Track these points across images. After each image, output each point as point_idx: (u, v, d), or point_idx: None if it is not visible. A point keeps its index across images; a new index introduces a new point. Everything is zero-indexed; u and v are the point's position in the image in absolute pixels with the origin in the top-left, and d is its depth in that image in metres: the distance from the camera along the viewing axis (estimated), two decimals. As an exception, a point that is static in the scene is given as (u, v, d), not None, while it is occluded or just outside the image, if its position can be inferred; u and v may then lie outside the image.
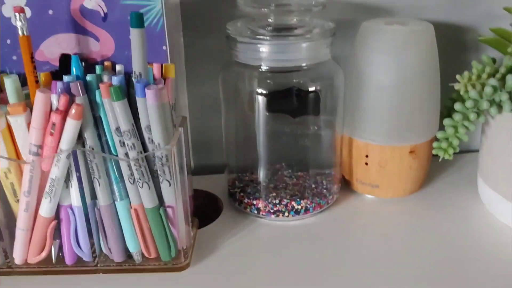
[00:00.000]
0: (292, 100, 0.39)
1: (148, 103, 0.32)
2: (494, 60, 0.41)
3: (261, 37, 0.36)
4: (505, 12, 0.42)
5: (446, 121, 0.38)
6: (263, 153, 0.41)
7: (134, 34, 0.31)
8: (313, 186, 0.43)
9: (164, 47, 0.36)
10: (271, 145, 0.42)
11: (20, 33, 0.33)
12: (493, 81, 0.36)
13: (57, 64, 0.37)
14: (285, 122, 0.41)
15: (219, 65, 0.42)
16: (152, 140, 0.33)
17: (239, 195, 0.43)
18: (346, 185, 0.46)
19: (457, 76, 0.38)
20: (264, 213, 0.42)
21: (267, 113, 0.39)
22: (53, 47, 0.36)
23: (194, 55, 0.46)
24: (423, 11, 0.47)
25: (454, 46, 0.49)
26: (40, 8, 0.35)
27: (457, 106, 0.37)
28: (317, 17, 0.41)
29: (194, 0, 0.45)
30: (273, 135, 0.41)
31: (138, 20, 0.31)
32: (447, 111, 0.44)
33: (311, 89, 0.39)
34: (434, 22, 0.42)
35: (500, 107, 0.37)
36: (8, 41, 0.36)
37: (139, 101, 0.32)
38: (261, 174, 0.43)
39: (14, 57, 0.37)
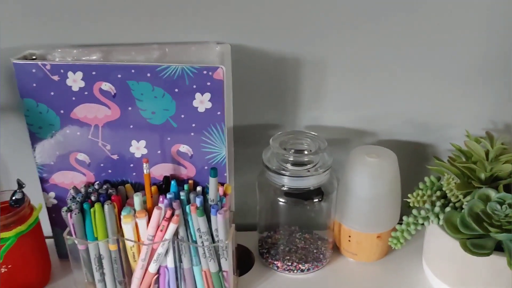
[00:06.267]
0: (303, 206, 0.62)
1: (218, 220, 0.55)
2: (439, 178, 0.63)
3: (283, 172, 0.59)
4: (458, 134, 0.64)
5: (397, 227, 0.60)
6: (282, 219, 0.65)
7: (212, 180, 0.55)
8: (315, 251, 0.66)
9: (225, 174, 0.59)
10: (289, 214, 0.65)
11: (145, 172, 0.56)
12: (427, 205, 0.58)
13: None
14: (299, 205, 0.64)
15: (258, 170, 0.65)
16: (217, 235, 0.57)
17: (265, 255, 0.66)
18: (337, 249, 0.69)
19: (409, 195, 0.60)
20: (281, 270, 0.65)
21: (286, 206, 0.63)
22: (161, 172, 0.60)
23: (241, 159, 0.69)
24: (395, 134, 0.69)
25: (415, 158, 0.71)
26: (154, 149, 0.59)
27: (404, 218, 0.59)
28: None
29: (242, 125, 0.68)
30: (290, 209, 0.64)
31: (215, 173, 0.55)
32: (407, 204, 0.66)
33: (315, 200, 0.61)
34: (403, 141, 0.65)
35: (431, 220, 0.59)
36: (131, 165, 0.60)
37: (212, 217, 0.55)
38: (281, 237, 0.66)
39: (134, 174, 0.60)
